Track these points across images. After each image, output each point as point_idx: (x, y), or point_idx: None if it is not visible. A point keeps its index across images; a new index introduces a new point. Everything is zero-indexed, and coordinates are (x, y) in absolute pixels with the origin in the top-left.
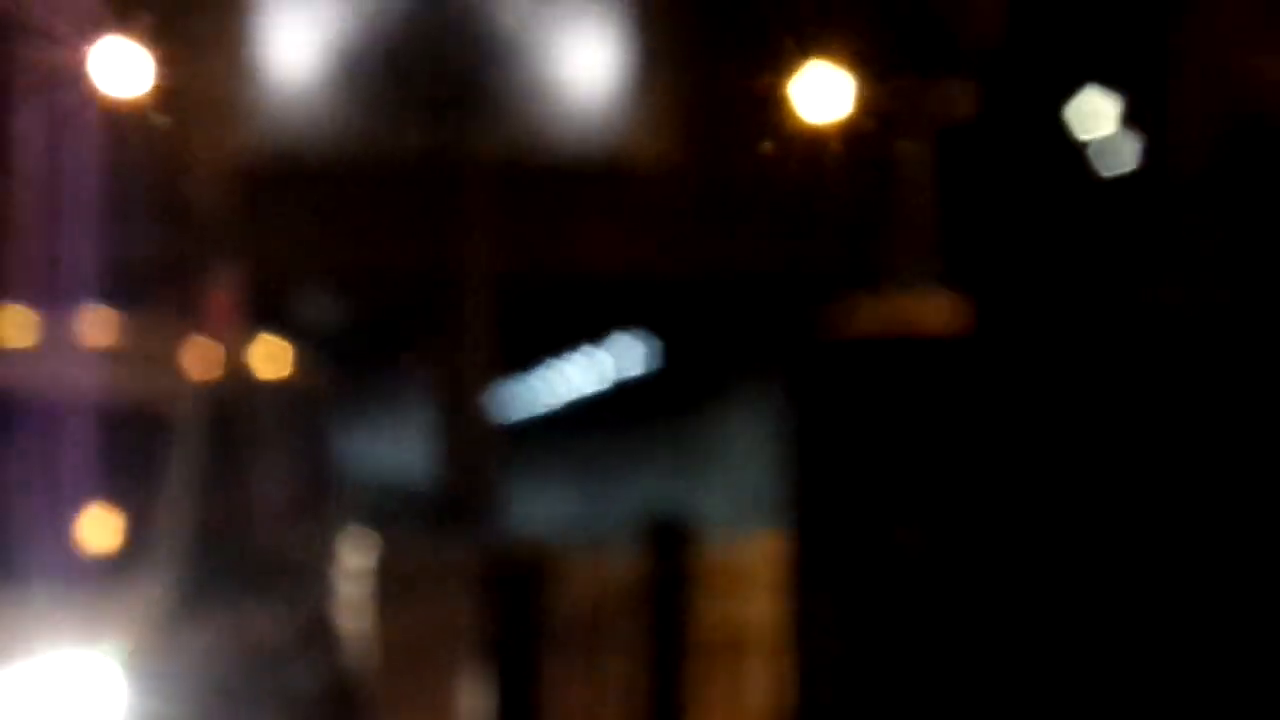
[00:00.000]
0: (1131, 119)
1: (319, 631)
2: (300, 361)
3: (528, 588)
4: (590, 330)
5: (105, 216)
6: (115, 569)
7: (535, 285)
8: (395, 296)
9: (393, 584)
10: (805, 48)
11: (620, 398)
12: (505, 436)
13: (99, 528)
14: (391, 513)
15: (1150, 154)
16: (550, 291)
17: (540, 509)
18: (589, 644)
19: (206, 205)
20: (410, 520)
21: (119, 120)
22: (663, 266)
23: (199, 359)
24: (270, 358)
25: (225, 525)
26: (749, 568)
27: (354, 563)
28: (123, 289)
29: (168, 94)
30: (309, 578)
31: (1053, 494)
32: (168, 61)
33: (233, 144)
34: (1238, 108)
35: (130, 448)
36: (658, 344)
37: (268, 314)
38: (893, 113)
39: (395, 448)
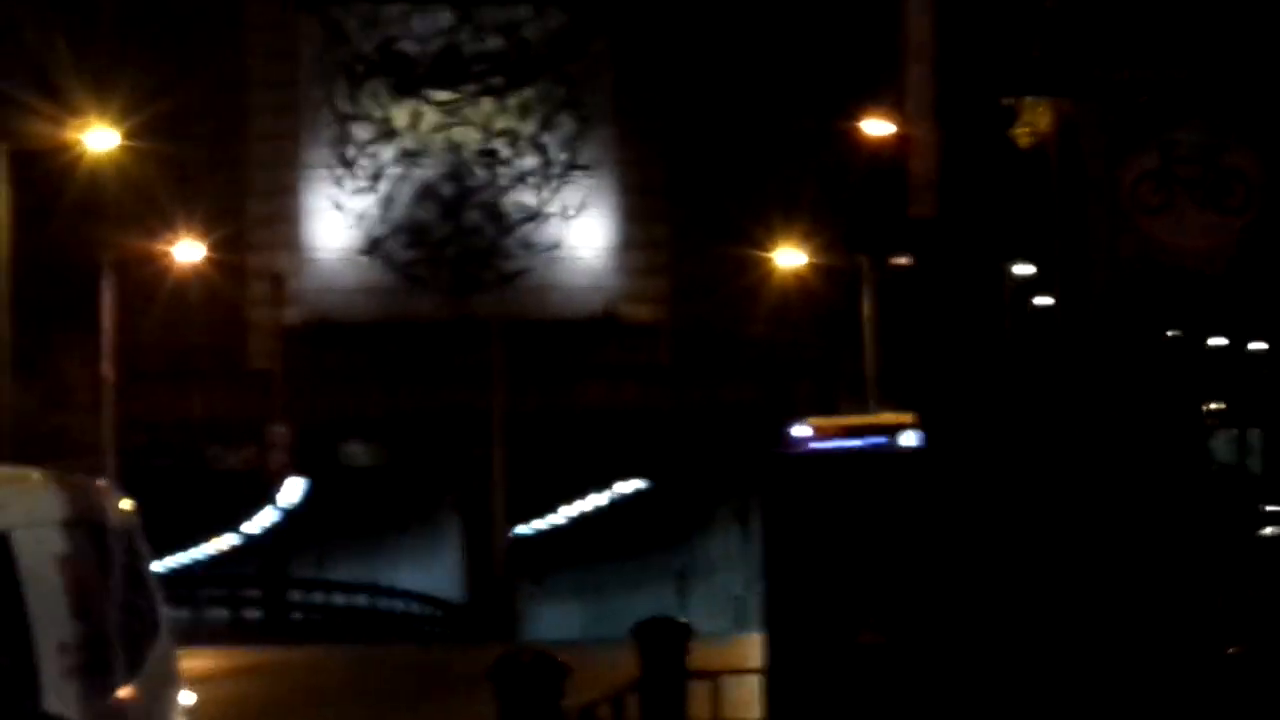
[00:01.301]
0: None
1: None
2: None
3: (542, 681)
4: (593, 464)
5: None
6: None
7: (545, 425)
8: (426, 439)
9: (430, 682)
10: (773, 230)
11: (618, 521)
12: (521, 558)
13: None
14: (431, 624)
15: (1063, 296)
16: (557, 430)
17: (554, 618)
18: None
19: (262, 364)
20: (446, 629)
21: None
22: (652, 403)
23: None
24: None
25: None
26: (735, 662)
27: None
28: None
29: (228, 268)
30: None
31: (1003, 587)
32: (228, 244)
33: (283, 310)
34: (1134, 259)
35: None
36: (651, 474)
37: (318, 459)
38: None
39: (431, 571)
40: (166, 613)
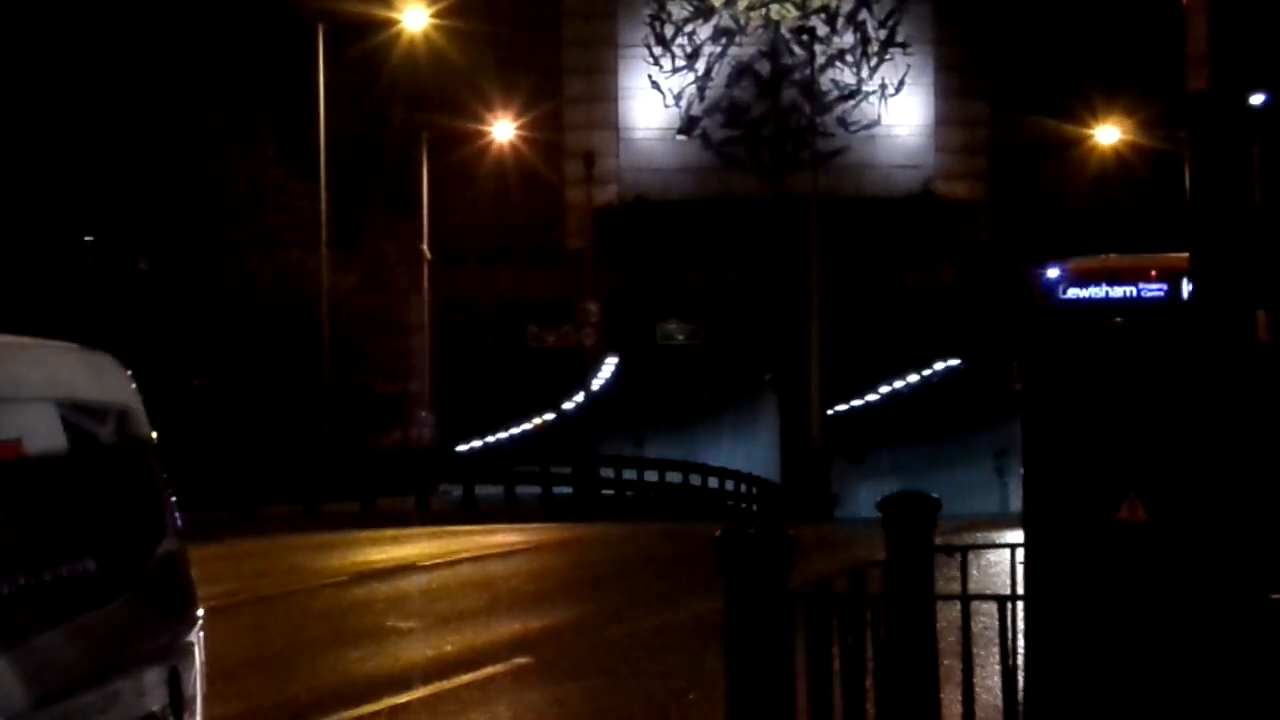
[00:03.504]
0: None
1: None
2: None
3: (767, 557)
4: (910, 343)
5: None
6: None
7: (862, 304)
8: (742, 318)
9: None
10: (1093, 107)
11: (936, 400)
12: (838, 436)
13: None
14: (747, 502)
15: None
16: (874, 309)
17: (870, 497)
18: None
19: (577, 244)
20: (763, 507)
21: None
22: (970, 282)
23: None
24: None
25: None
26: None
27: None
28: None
29: (546, 150)
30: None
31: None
32: (544, 124)
33: (597, 189)
34: None
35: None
36: (967, 354)
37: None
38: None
39: (748, 449)
40: (175, 512)
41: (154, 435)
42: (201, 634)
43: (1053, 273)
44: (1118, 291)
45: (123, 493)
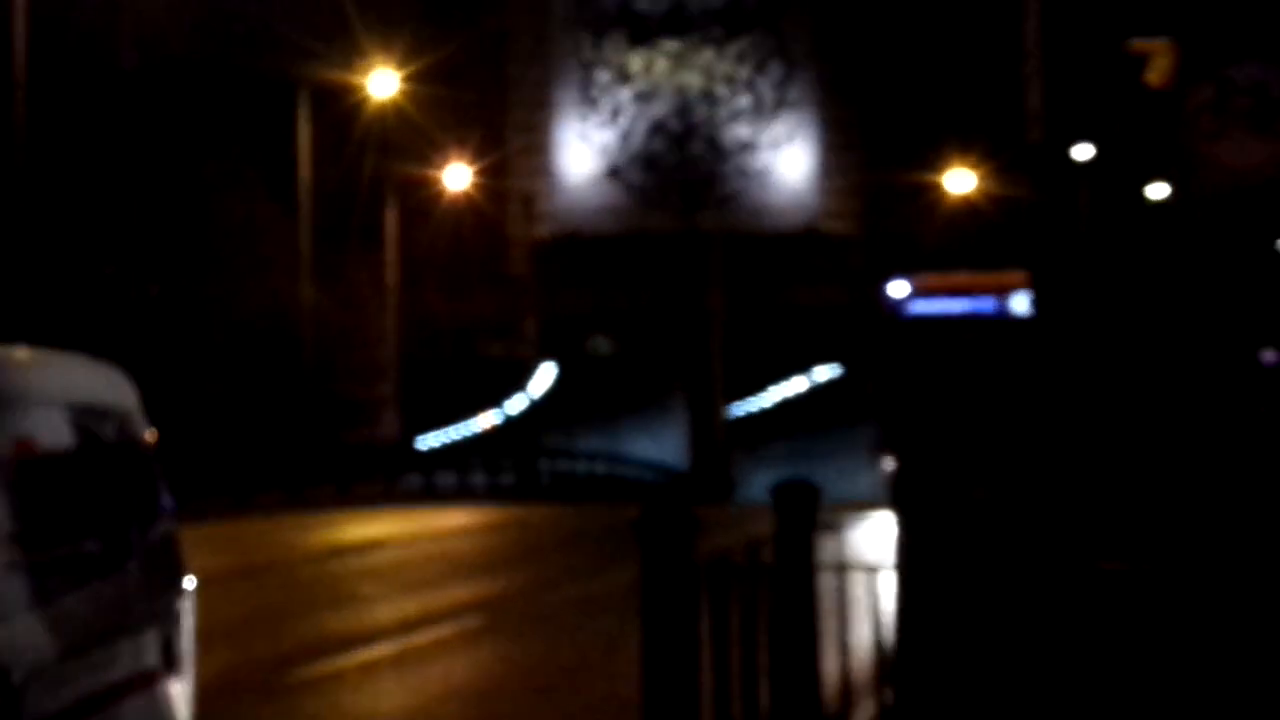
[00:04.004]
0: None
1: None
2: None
3: (676, 533)
4: (797, 354)
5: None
6: None
7: (757, 321)
8: (656, 334)
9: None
10: (947, 158)
11: (818, 401)
12: (736, 432)
13: None
14: (658, 489)
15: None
16: (767, 325)
17: (763, 483)
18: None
19: (518, 271)
20: (672, 493)
21: (456, 212)
22: (847, 302)
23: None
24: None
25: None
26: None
27: None
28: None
29: (492, 193)
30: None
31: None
32: (490, 171)
33: (536, 226)
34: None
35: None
36: (845, 361)
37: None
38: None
39: (660, 443)
40: (168, 499)
41: (154, 434)
42: (190, 603)
43: (901, 289)
44: (955, 305)
45: (123, 483)
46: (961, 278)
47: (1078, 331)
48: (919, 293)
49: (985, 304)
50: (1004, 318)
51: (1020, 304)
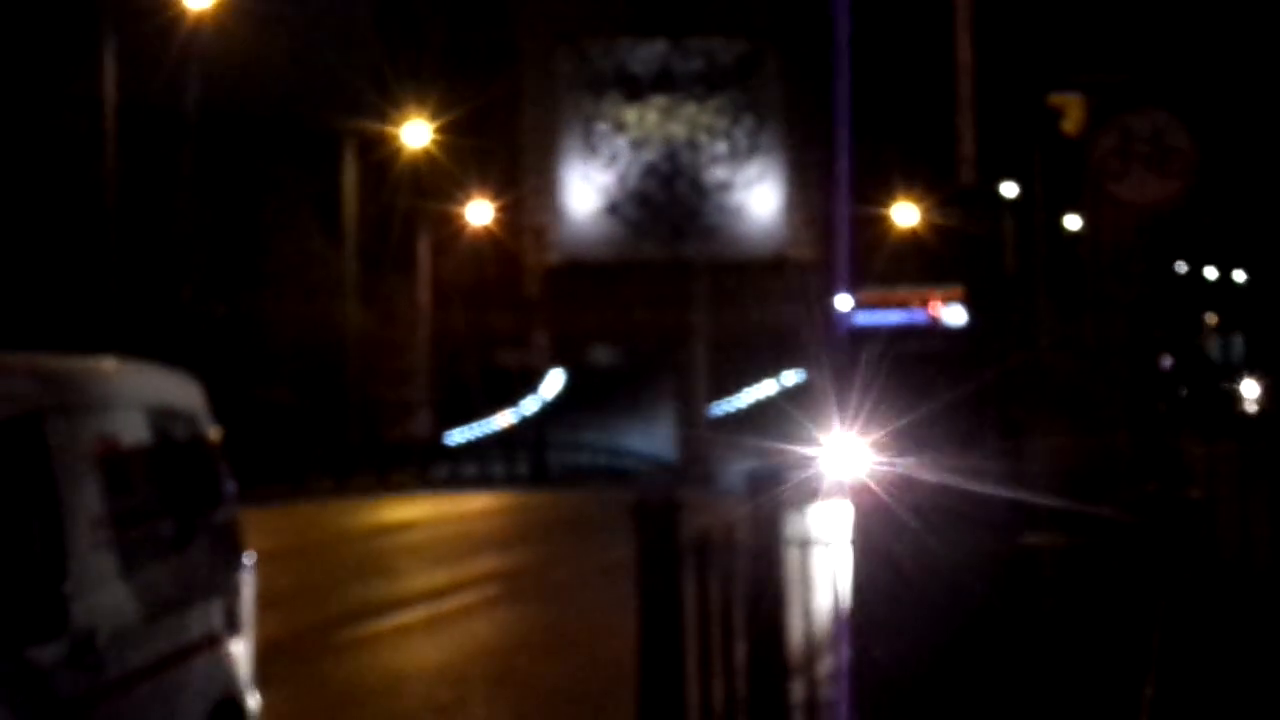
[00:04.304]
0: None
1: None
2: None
3: (665, 516)
4: (768, 362)
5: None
6: None
7: (734, 335)
8: (649, 347)
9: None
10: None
11: (785, 403)
12: (718, 429)
13: None
14: (651, 476)
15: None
16: (742, 338)
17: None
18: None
19: (531, 292)
20: (662, 480)
21: (478, 242)
22: (807, 319)
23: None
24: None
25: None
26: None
27: None
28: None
29: (509, 226)
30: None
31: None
32: (508, 207)
33: (546, 254)
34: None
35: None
36: (808, 367)
37: (572, 361)
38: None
39: (652, 439)
40: (230, 486)
41: (219, 431)
42: (250, 575)
43: (842, 301)
44: (893, 317)
45: (191, 473)
46: (898, 294)
47: (1005, 337)
48: (860, 306)
49: (919, 315)
50: (934, 327)
51: (949, 315)
